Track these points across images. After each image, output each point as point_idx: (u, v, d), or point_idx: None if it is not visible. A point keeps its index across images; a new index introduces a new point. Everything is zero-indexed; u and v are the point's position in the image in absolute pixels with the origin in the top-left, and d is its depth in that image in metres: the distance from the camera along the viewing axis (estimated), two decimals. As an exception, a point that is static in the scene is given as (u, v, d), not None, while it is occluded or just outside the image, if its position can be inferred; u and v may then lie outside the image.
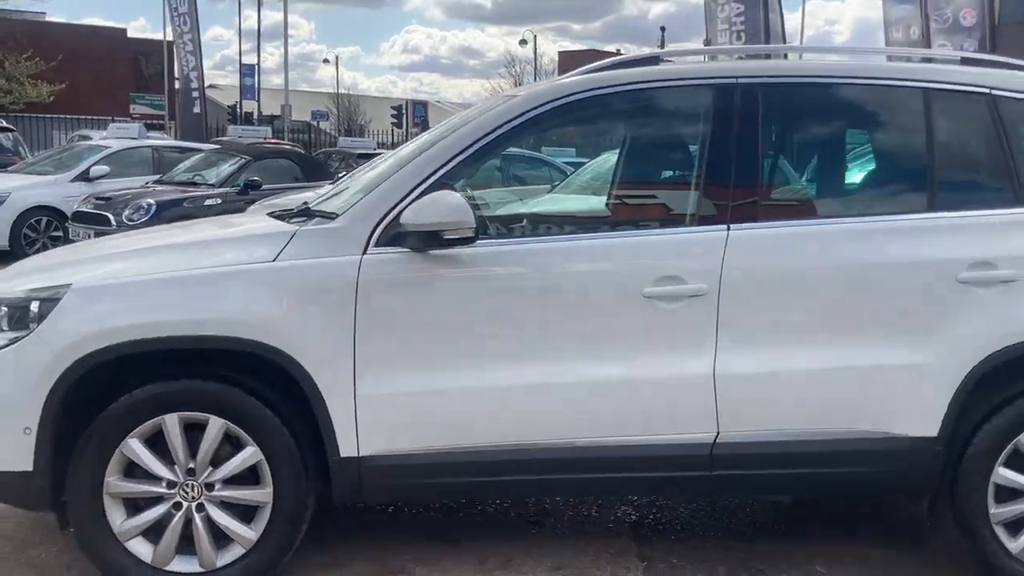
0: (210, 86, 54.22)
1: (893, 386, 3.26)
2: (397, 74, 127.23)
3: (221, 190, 11.46)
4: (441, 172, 3.27)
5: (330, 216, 3.35)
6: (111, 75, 38.17)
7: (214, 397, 3.14)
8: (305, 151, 20.15)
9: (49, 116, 32.27)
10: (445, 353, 3.20)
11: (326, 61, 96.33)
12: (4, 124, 17.66)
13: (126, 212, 10.71)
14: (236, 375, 3.17)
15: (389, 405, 3.18)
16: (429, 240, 3.14)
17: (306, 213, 3.52)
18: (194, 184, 11.88)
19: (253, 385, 3.17)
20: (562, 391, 3.22)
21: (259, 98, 42.38)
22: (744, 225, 3.29)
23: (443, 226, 3.11)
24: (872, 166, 3.73)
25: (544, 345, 3.22)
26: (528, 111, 3.37)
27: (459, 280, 3.22)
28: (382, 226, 3.21)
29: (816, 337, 3.27)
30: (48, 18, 40.68)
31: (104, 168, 12.82)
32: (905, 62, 3.91)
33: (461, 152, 3.30)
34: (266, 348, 3.10)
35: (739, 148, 3.34)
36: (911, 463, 3.29)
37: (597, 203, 4.40)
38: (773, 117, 3.51)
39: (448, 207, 3.10)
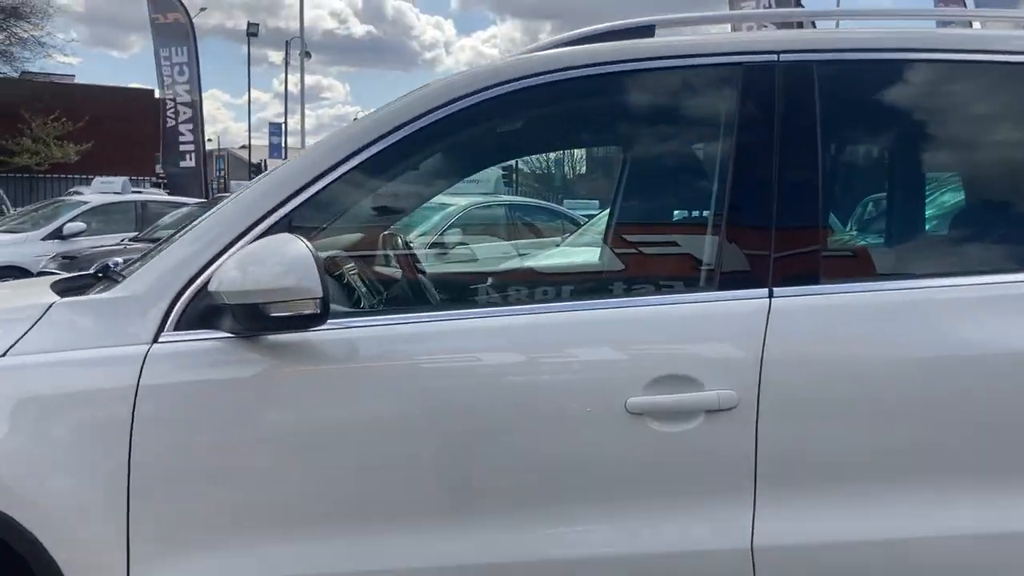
0: (242, 147, 54.86)
1: None
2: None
3: None
4: (283, 209, 1.98)
5: (118, 280, 2.08)
6: (138, 135, 38.06)
7: None
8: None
9: (74, 176, 31.93)
10: (286, 512, 1.90)
11: (356, 119, 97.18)
12: None
13: (91, 272, 9.68)
14: None
15: None
16: (257, 318, 1.86)
17: (106, 277, 2.26)
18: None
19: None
20: None
21: (286, 156, 42.44)
22: (796, 289, 1.97)
23: (273, 294, 1.81)
24: (1004, 193, 2.35)
25: (449, 499, 1.90)
26: (443, 106, 2.08)
27: (309, 387, 1.92)
28: (186, 296, 1.93)
29: (923, 482, 1.92)
30: (76, 80, 40.78)
31: (80, 225, 11.88)
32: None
33: (322, 176, 2.01)
34: None
35: (784, 164, 2.03)
36: None
37: (565, 260, 3.07)
38: (838, 114, 2.16)
39: (285, 261, 1.81)
